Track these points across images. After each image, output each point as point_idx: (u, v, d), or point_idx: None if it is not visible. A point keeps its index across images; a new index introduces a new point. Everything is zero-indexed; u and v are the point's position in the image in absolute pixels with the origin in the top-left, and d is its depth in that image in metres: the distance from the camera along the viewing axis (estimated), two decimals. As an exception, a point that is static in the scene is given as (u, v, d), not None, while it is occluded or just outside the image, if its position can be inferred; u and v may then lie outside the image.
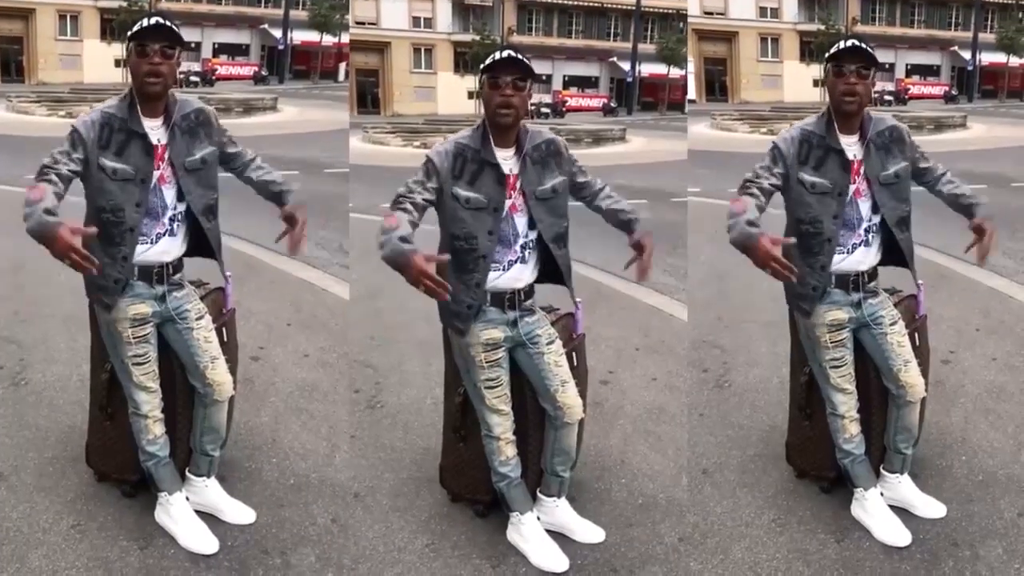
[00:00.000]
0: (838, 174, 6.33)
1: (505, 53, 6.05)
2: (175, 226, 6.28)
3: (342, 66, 50.84)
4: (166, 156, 6.17)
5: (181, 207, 6.28)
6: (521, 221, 6.24)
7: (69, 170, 5.91)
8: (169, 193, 6.22)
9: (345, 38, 51.49)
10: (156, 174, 6.13)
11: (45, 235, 5.31)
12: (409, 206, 5.96)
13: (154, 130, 6.13)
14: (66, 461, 7.20)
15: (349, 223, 15.09)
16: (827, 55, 6.32)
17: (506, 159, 6.17)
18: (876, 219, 6.48)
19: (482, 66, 6.10)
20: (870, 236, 6.49)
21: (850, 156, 6.36)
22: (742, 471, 7.42)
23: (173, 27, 6.11)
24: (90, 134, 5.98)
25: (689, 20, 53.48)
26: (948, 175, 6.78)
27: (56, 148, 5.99)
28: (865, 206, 6.44)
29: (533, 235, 6.29)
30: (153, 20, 6.08)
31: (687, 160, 24.80)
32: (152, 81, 6.05)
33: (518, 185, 6.20)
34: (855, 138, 6.39)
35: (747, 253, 5.82)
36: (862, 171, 6.39)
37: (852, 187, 6.37)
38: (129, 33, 6.09)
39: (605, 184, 6.66)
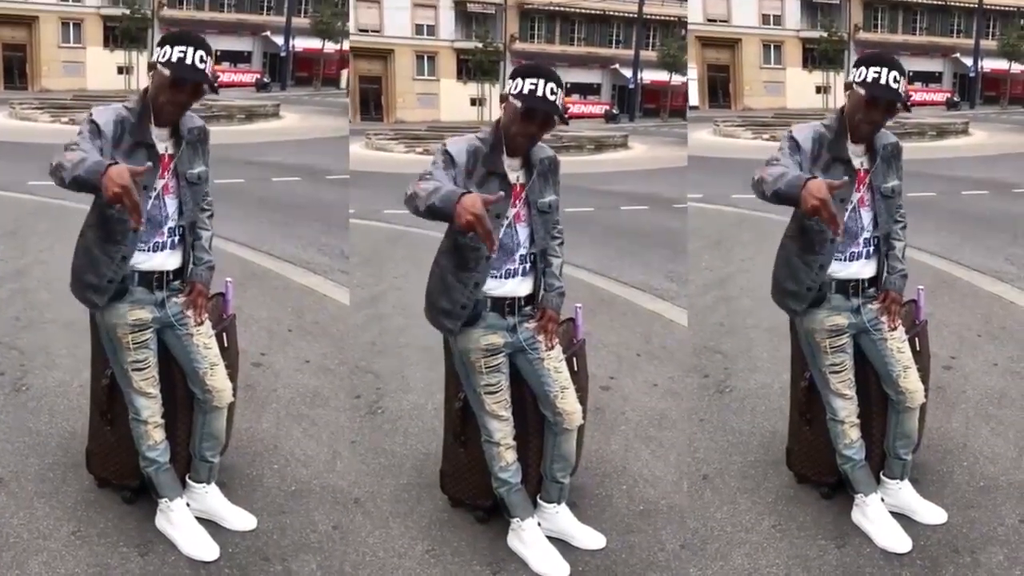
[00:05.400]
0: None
1: (548, 89, 5.96)
2: (175, 239, 6.26)
3: (344, 72, 50.72)
4: (172, 166, 6.17)
5: (181, 220, 6.27)
6: (524, 232, 6.24)
7: (90, 149, 5.81)
8: (172, 204, 6.21)
9: (347, 45, 51.50)
10: (160, 183, 6.13)
11: (99, 172, 5.36)
12: (439, 175, 5.95)
13: (162, 140, 6.13)
14: (67, 467, 7.19)
15: (349, 229, 15.11)
16: (861, 78, 6.19)
17: (515, 169, 6.17)
18: (876, 231, 6.47)
19: (517, 89, 5.99)
20: (870, 248, 6.47)
21: (856, 165, 6.34)
22: (743, 477, 7.41)
23: (208, 72, 6.06)
24: (108, 128, 5.95)
25: (691, 27, 53.47)
26: (904, 224, 6.69)
27: (77, 135, 5.93)
28: (867, 216, 6.42)
29: (532, 247, 6.28)
30: (198, 56, 5.97)
31: (687, 166, 24.84)
32: (173, 111, 6.11)
33: (524, 195, 6.20)
34: (862, 148, 6.37)
35: (796, 201, 5.76)
36: (868, 180, 6.38)
37: (857, 195, 6.35)
38: (165, 58, 5.97)
39: (562, 237, 6.55)
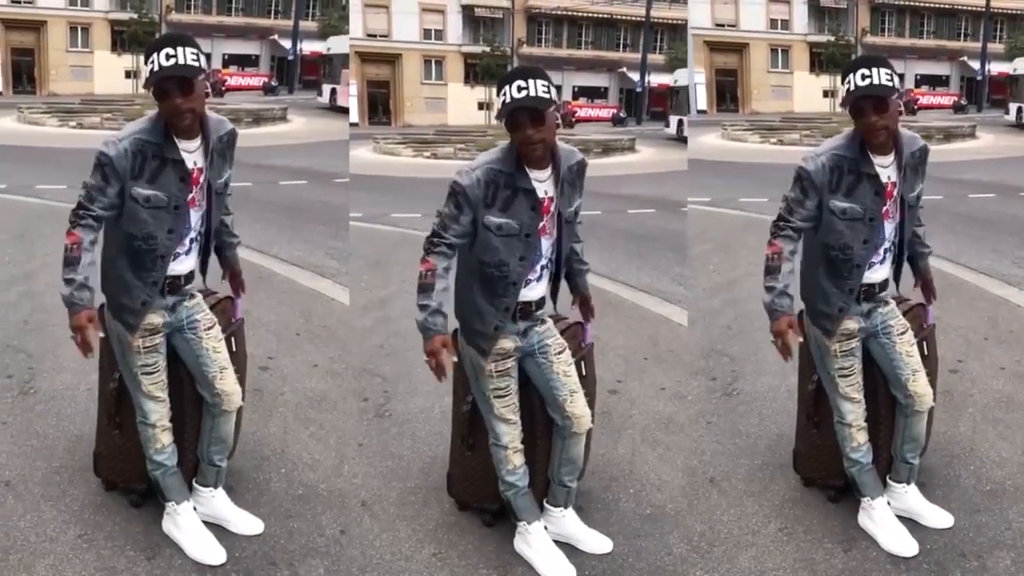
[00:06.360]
0: (870, 199, 6.25)
1: (515, 88, 5.84)
2: (193, 246, 6.28)
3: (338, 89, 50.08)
4: (201, 180, 6.15)
5: (202, 228, 6.29)
6: (547, 243, 6.19)
7: (102, 208, 5.95)
8: (195, 215, 6.21)
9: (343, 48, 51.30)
10: (187, 198, 6.11)
11: (71, 309, 5.93)
12: (445, 248, 5.99)
13: (190, 153, 6.08)
14: (74, 470, 7.21)
15: (350, 231, 15.11)
16: (842, 99, 6.16)
17: (541, 181, 6.06)
18: (896, 238, 6.45)
19: (497, 107, 5.90)
20: (888, 255, 6.45)
21: (884, 179, 6.26)
22: (749, 480, 7.41)
23: (186, 62, 5.90)
24: (123, 164, 5.92)
25: (699, 32, 53.41)
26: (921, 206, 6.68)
27: (90, 179, 5.95)
28: (890, 227, 6.38)
29: (554, 255, 6.26)
30: (163, 55, 5.85)
31: (688, 169, 24.89)
32: (179, 119, 5.99)
33: (552, 208, 6.13)
34: (890, 158, 6.28)
35: (770, 317, 6.28)
36: (895, 193, 6.32)
37: (883, 209, 6.30)
38: (145, 77, 5.93)
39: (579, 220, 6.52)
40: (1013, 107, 48.39)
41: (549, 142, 6.00)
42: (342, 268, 13.05)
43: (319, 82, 50.55)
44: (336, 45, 48.98)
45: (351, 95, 50.19)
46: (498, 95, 5.92)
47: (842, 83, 6.18)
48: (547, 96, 5.88)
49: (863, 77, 6.07)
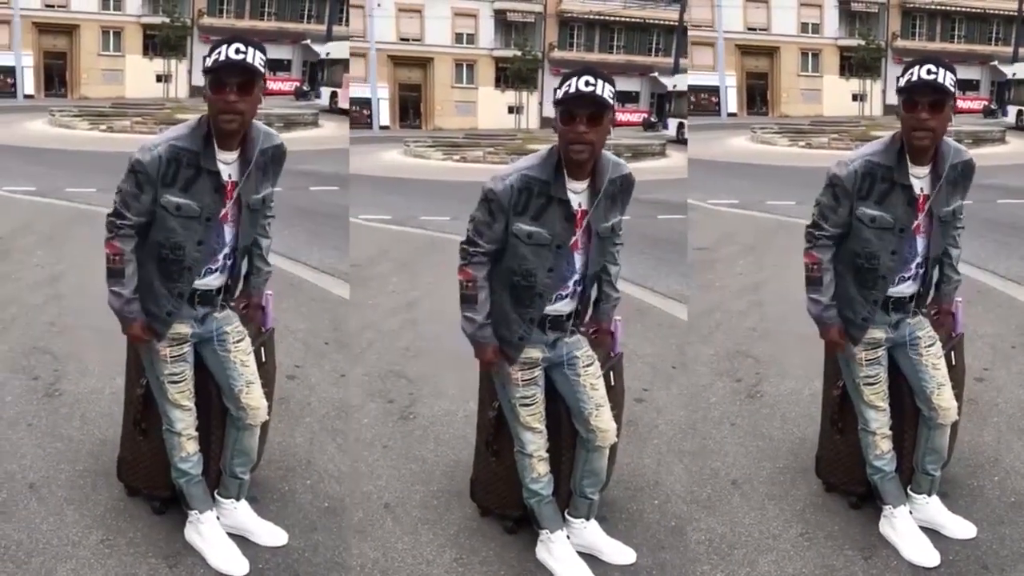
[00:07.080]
0: (902, 210, 6.14)
1: (583, 81, 5.70)
2: (227, 263, 6.23)
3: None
4: (235, 194, 6.06)
5: (237, 244, 6.21)
6: (579, 259, 6.09)
7: (137, 214, 5.92)
8: (229, 232, 6.14)
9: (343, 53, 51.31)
10: (222, 212, 6.04)
11: (124, 321, 6.14)
12: (482, 257, 5.97)
13: (228, 165, 6.00)
14: (97, 474, 7.22)
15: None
16: (898, 86, 6.02)
17: (578, 192, 5.95)
18: (928, 254, 6.33)
19: (556, 96, 5.78)
20: (919, 271, 6.36)
21: (917, 191, 6.14)
22: (771, 483, 7.39)
23: (254, 62, 5.84)
24: (156, 171, 5.85)
25: (731, 36, 53.33)
26: (963, 227, 6.61)
27: (124, 184, 5.91)
28: (922, 242, 6.27)
29: (587, 271, 6.15)
30: (233, 48, 5.80)
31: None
32: (227, 118, 5.86)
33: (585, 221, 6.01)
34: (926, 170, 6.16)
35: (819, 327, 6.45)
36: (927, 207, 6.19)
37: (915, 223, 6.19)
38: (206, 64, 5.82)
39: (622, 242, 6.46)
40: (1012, 110, 48.97)
41: (596, 149, 5.87)
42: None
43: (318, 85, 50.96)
44: (335, 50, 49.38)
45: (383, 98, 50.46)
46: (560, 87, 5.77)
47: (902, 74, 6.03)
48: (611, 101, 5.79)
49: (929, 72, 5.93)
